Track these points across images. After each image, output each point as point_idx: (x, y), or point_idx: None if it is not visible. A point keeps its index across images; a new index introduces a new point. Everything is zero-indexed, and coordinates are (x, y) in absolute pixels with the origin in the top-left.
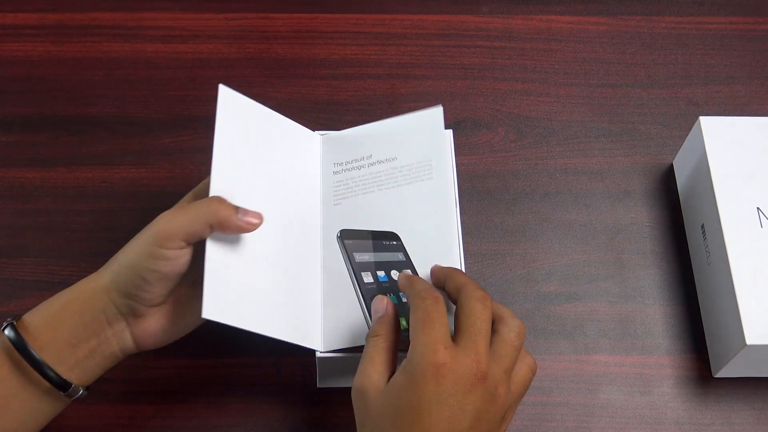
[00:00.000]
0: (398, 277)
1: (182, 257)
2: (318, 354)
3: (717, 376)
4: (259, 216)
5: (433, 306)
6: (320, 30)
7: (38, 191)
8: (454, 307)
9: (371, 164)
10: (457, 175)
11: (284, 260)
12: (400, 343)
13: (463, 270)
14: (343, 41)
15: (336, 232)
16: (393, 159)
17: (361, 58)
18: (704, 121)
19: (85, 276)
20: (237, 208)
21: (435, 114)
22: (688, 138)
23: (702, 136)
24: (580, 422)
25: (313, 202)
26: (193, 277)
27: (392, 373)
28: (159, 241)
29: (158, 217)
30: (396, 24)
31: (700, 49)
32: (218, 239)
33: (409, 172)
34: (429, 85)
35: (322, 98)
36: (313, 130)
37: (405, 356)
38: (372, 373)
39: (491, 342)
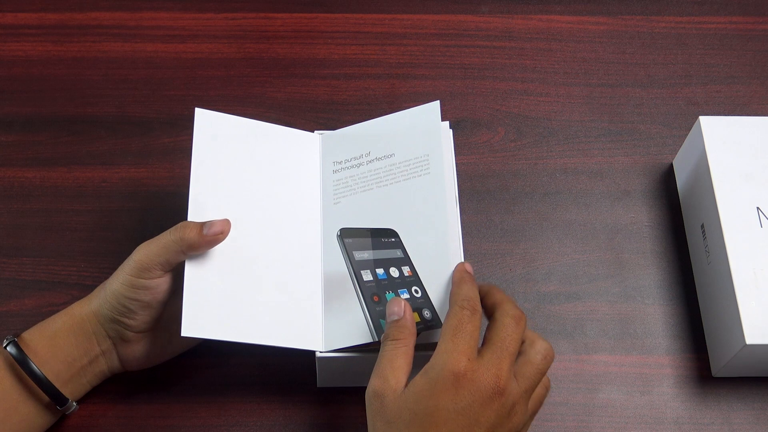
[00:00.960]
0: (455, 269)
1: (162, 285)
2: (318, 354)
3: (716, 375)
4: (224, 223)
5: (468, 317)
6: (320, 30)
7: (38, 191)
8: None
9: (370, 161)
10: (457, 175)
11: (281, 264)
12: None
13: None
14: (343, 41)
15: (336, 231)
16: (391, 155)
17: (361, 58)
18: (704, 120)
19: (85, 276)
20: (202, 225)
21: (432, 109)
22: (687, 138)
23: (702, 136)
24: (580, 422)
25: (312, 202)
26: (179, 305)
27: (408, 376)
28: (138, 272)
29: (137, 248)
30: (396, 24)
31: (700, 49)
32: (199, 259)
33: (407, 168)
34: (429, 85)
35: (322, 98)
36: (313, 130)
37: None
38: (390, 376)
39: (517, 361)
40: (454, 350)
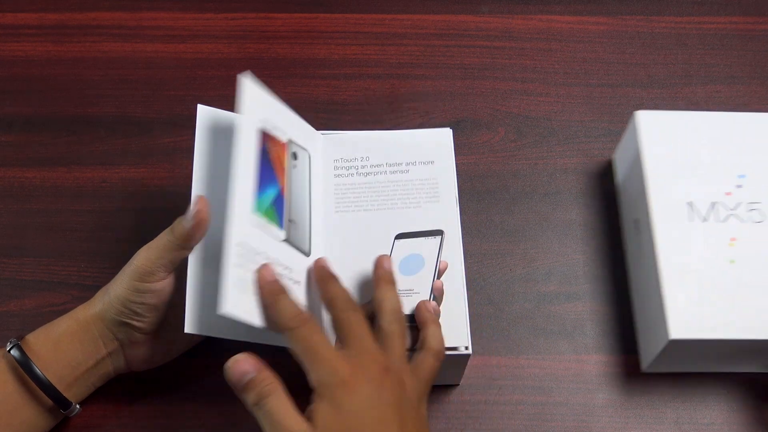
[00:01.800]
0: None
1: (167, 287)
2: None
3: (645, 371)
4: (199, 200)
5: (308, 332)
6: (320, 30)
7: (38, 191)
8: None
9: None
10: (457, 175)
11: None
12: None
13: (463, 270)
14: (343, 41)
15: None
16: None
17: (361, 58)
18: (640, 115)
19: (85, 276)
20: (186, 219)
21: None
22: (625, 133)
23: (637, 131)
24: (579, 422)
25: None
26: (180, 303)
27: (302, 414)
28: (141, 276)
29: (137, 253)
30: (396, 24)
31: (700, 49)
32: (200, 255)
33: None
34: (429, 85)
35: (322, 98)
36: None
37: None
38: (293, 424)
39: (378, 336)
40: (324, 362)
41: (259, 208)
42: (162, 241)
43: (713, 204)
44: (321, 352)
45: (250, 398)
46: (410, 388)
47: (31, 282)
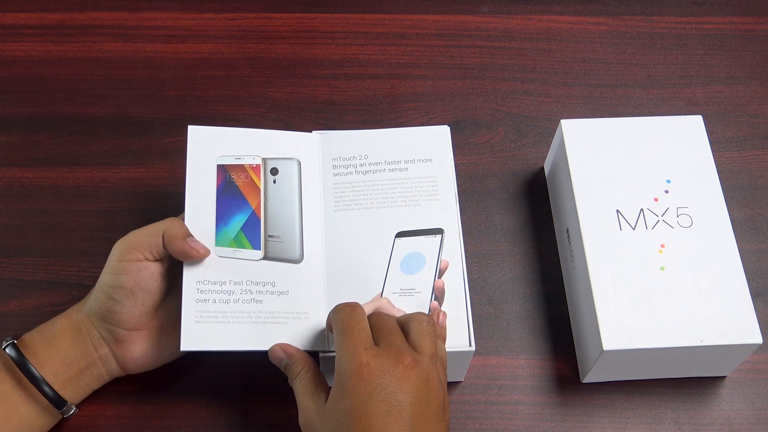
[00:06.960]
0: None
1: (144, 271)
2: (321, 354)
3: (585, 381)
4: (207, 251)
5: (349, 314)
6: (320, 30)
7: (38, 191)
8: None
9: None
10: (457, 175)
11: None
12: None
13: (464, 267)
14: (343, 41)
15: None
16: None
17: (361, 58)
18: (565, 124)
19: (85, 276)
20: (188, 234)
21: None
22: (552, 142)
23: (563, 140)
24: (579, 422)
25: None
26: (178, 305)
27: (327, 394)
28: (120, 255)
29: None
30: (396, 24)
31: (700, 49)
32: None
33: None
34: (429, 85)
35: (322, 98)
36: (312, 131)
37: None
38: (309, 403)
39: (409, 339)
40: (349, 347)
41: (223, 240)
42: (153, 226)
43: (641, 210)
44: (351, 336)
45: (288, 373)
46: (435, 389)
47: (31, 282)
